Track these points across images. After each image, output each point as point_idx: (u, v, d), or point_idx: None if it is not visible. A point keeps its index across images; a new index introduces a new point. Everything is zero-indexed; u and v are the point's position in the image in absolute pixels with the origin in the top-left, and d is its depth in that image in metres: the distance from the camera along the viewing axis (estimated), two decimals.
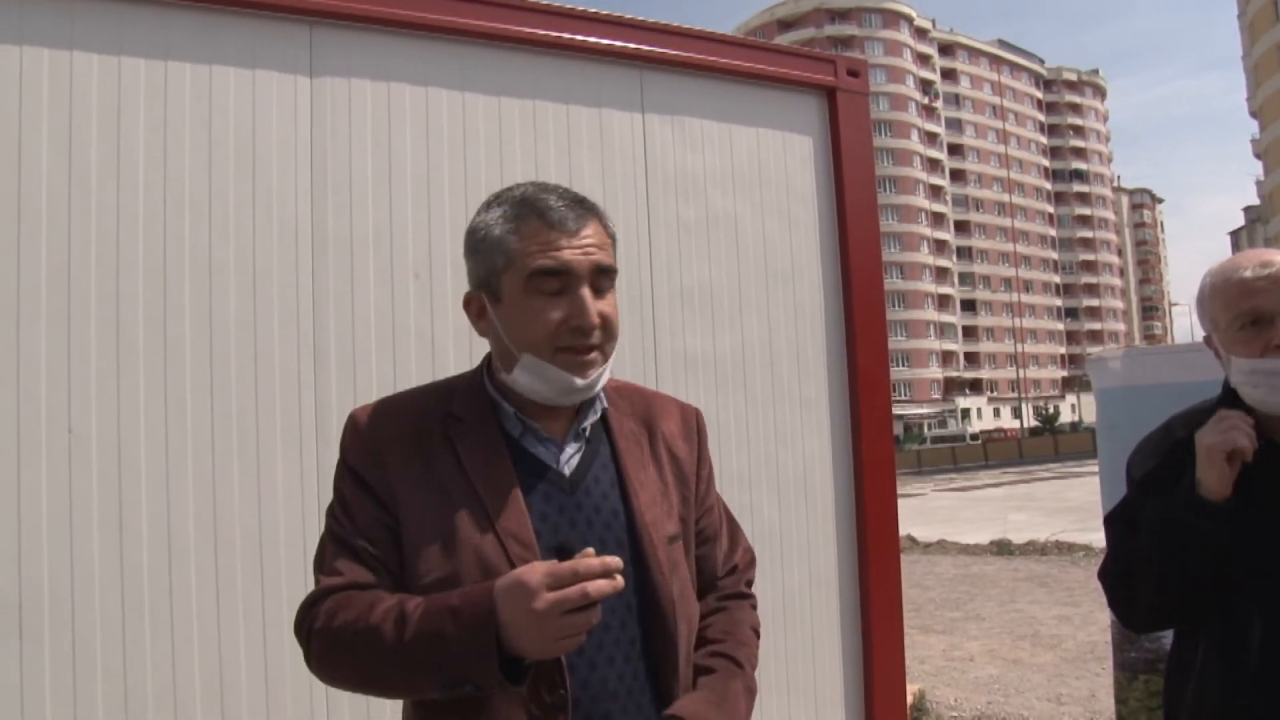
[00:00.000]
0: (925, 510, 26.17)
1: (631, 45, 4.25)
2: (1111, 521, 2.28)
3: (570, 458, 1.80)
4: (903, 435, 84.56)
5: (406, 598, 1.62)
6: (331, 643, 1.64)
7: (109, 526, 3.18)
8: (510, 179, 3.94)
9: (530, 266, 1.70)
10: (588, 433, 1.83)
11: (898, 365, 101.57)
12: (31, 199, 3.17)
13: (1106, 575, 2.26)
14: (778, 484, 4.50)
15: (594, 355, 1.74)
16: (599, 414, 1.86)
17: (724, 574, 1.99)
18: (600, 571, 1.50)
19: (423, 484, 1.72)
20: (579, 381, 1.73)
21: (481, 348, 1.93)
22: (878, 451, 4.72)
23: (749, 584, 2.06)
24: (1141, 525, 2.10)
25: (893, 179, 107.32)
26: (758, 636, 1.99)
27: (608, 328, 1.75)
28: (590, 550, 1.53)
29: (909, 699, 5.25)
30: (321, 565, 1.73)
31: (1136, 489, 2.21)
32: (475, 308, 1.81)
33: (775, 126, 4.68)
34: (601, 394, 1.86)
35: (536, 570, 1.50)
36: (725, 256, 4.48)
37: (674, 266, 4.33)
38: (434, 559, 1.67)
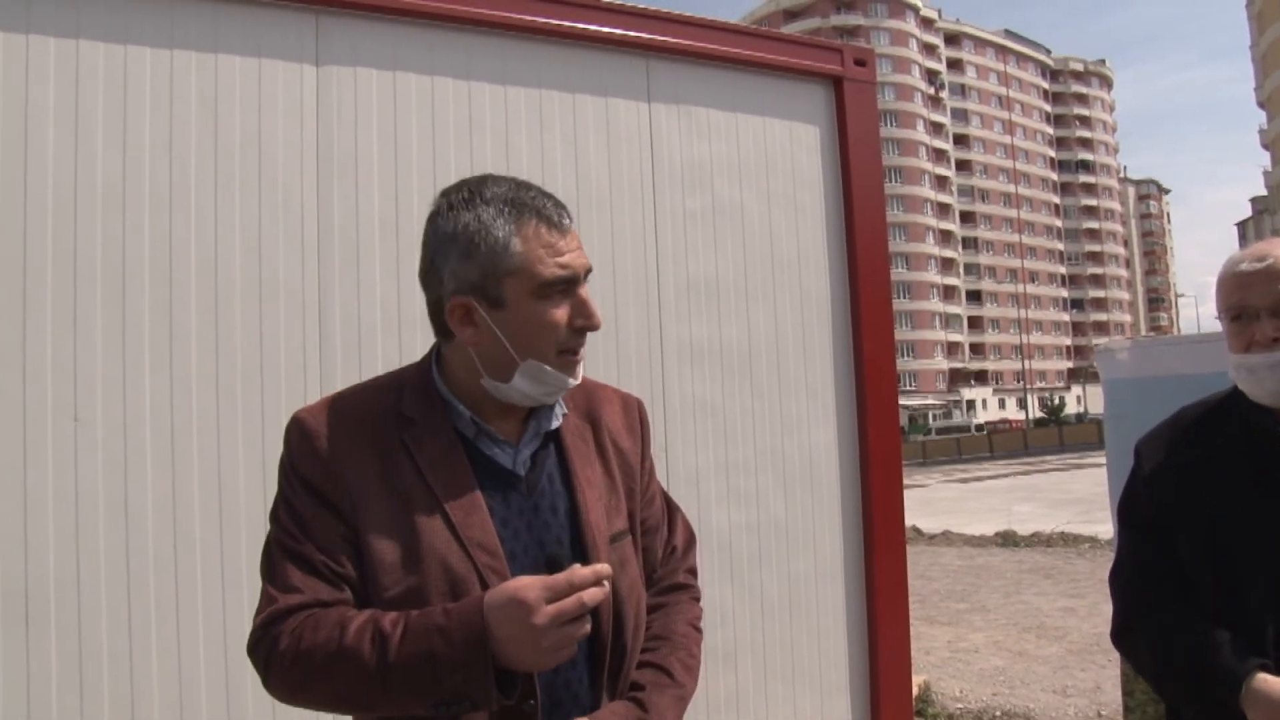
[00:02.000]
0: (930, 501, 26.17)
1: (638, 34, 4.24)
2: (1124, 516, 2.26)
3: (525, 459, 1.75)
4: (908, 426, 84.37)
5: (379, 615, 1.56)
6: (301, 665, 1.55)
7: (115, 514, 3.19)
8: (516, 168, 3.95)
9: (543, 275, 1.65)
10: (544, 434, 1.79)
11: (902, 356, 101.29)
12: (38, 188, 3.16)
13: (1115, 577, 2.26)
14: (784, 473, 4.50)
15: (583, 353, 1.74)
16: (561, 417, 1.81)
17: (664, 561, 1.96)
18: (592, 580, 1.52)
19: (382, 492, 1.64)
20: (573, 381, 1.73)
21: None
22: (884, 440, 4.72)
23: (691, 571, 2.02)
24: (1168, 658, 2.08)
25: (898, 169, 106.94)
26: (698, 631, 1.95)
27: None
28: (577, 564, 1.54)
29: (914, 690, 5.25)
30: (274, 580, 1.62)
31: (1145, 485, 2.20)
32: (461, 314, 1.68)
33: (782, 116, 4.67)
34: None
35: (533, 585, 1.50)
36: (731, 246, 4.47)
37: (680, 256, 4.32)
38: (398, 572, 1.61)
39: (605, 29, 4.17)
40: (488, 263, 1.65)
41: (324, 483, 1.64)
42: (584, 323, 1.70)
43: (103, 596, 3.15)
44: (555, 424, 1.79)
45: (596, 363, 4.05)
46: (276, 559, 1.63)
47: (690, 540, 2.04)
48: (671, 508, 2.03)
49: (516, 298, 1.65)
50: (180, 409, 3.31)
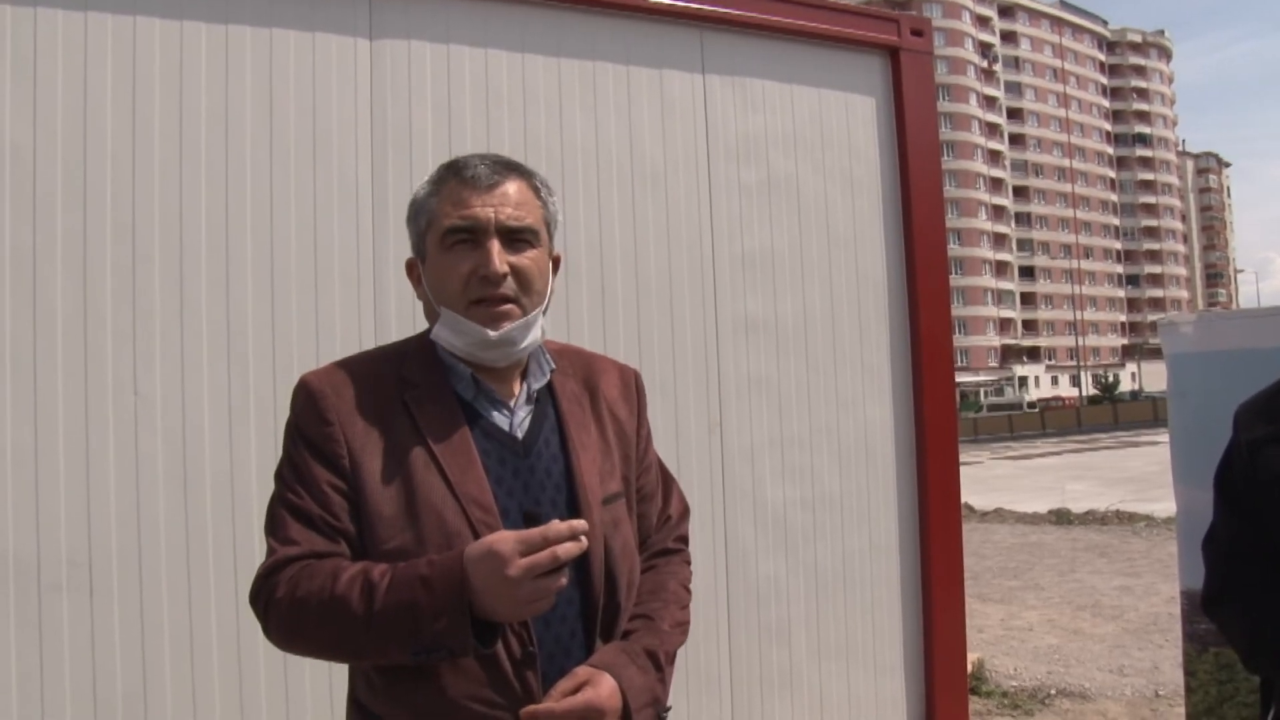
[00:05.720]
0: (982, 479, 25.90)
1: (692, 5, 4.20)
2: (1219, 485, 2.20)
3: (522, 421, 1.82)
4: (960, 403, 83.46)
5: (370, 566, 1.63)
6: (296, 612, 1.63)
7: (174, 486, 3.23)
8: (570, 141, 3.94)
9: (443, 224, 1.77)
10: (535, 395, 1.85)
11: (955, 332, 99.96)
12: (96, 166, 3.20)
13: (1207, 544, 2.21)
14: (838, 449, 4.47)
15: (508, 307, 1.76)
16: (548, 376, 1.87)
17: (658, 529, 2.01)
18: (568, 535, 1.55)
19: (381, 451, 1.72)
20: (491, 334, 1.74)
21: None
22: (940, 416, 4.67)
23: (682, 539, 2.07)
24: (1259, 630, 2.04)
25: (951, 144, 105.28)
26: (687, 590, 2.00)
27: (522, 281, 1.77)
28: (554, 519, 1.57)
29: (968, 667, 5.20)
30: (275, 533, 1.70)
31: (1239, 457, 2.15)
32: (414, 274, 1.86)
33: (837, 87, 4.61)
34: (547, 355, 1.88)
35: (508, 538, 1.55)
36: (786, 219, 4.43)
37: (735, 229, 4.29)
38: (395, 526, 1.68)
39: (659, 0, 4.12)
40: (417, 223, 1.84)
41: (325, 442, 1.72)
42: (483, 270, 1.73)
43: (163, 567, 3.20)
44: (541, 381, 1.85)
45: (652, 337, 4.04)
46: (278, 513, 1.72)
47: (684, 511, 2.10)
48: (668, 479, 2.08)
49: (431, 250, 1.80)
50: (237, 382, 3.34)
